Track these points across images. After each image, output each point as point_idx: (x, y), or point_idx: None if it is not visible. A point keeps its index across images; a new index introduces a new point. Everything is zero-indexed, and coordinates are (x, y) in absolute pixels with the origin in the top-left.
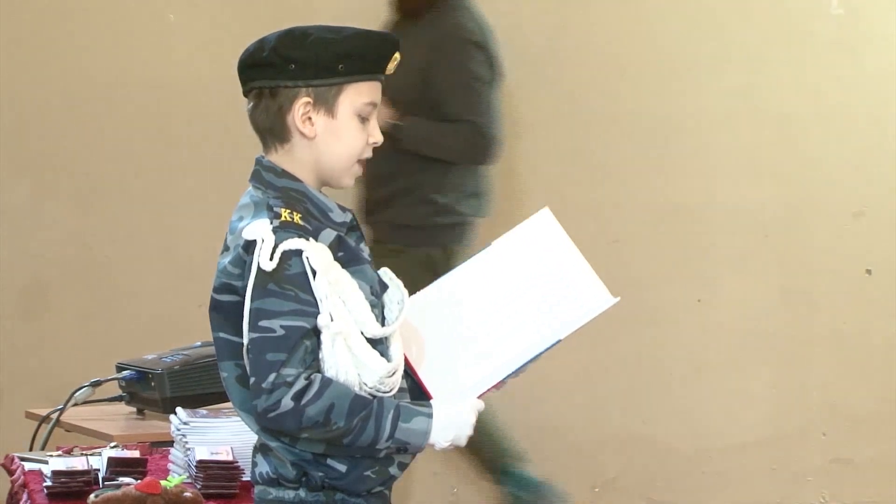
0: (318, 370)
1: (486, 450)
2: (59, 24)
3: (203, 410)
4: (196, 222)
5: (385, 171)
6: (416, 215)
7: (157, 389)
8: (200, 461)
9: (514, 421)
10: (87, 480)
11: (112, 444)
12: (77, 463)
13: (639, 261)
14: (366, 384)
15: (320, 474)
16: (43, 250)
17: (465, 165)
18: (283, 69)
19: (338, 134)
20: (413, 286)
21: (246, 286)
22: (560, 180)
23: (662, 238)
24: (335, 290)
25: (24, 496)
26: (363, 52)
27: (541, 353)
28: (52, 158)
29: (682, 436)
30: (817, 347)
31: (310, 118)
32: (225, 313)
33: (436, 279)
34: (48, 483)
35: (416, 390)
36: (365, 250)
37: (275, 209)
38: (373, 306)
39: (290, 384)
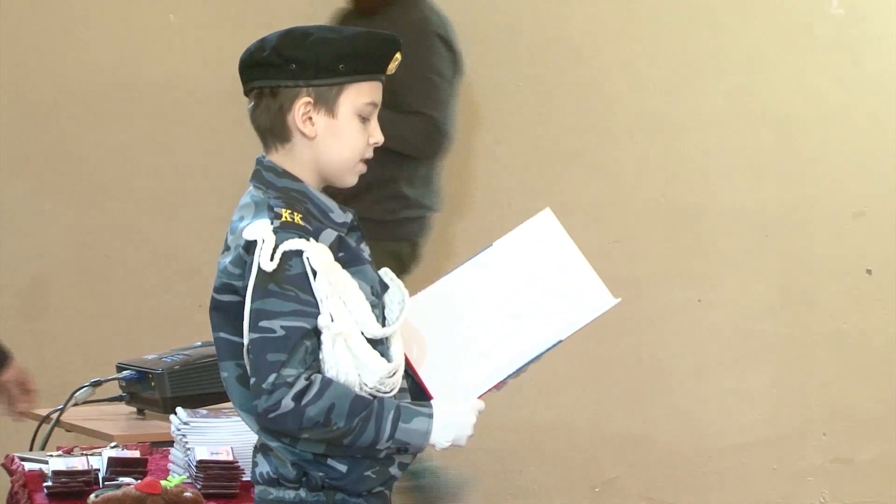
0: (319, 371)
1: None
2: (59, 23)
3: (203, 410)
4: (196, 222)
5: None
6: (386, 210)
7: (157, 389)
8: (201, 461)
9: (515, 421)
10: (87, 480)
11: (112, 444)
12: (77, 463)
13: (639, 261)
14: (366, 384)
15: (321, 474)
16: (43, 250)
17: (420, 158)
18: (283, 69)
19: (338, 134)
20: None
21: (246, 286)
22: (559, 180)
23: (662, 238)
24: (336, 290)
25: (25, 496)
26: (364, 52)
27: (542, 354)
28: (52, 158)
29: (682, 436)
30: (817, 347)
31: (310, 118)
32: (225, 313)
33: (402, 273)
34: (48, 483)
35: (416, 390)
36: (365, 251)
37: (275, 209)
38: (373, 307)
39: (291, 385)
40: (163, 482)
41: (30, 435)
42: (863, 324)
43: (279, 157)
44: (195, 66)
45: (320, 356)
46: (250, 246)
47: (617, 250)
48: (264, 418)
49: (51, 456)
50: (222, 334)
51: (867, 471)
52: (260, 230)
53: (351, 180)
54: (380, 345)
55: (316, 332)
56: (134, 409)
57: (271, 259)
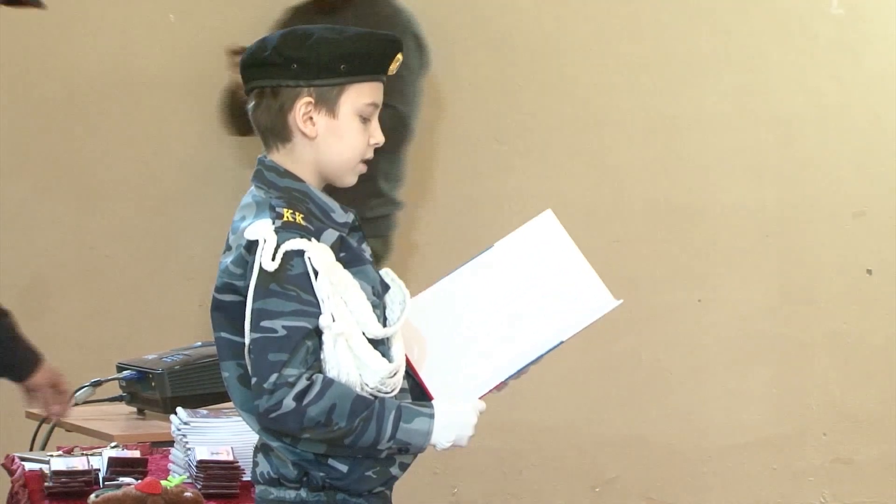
0: (320, 371)
1: None
2: (59, 23)
3: (203, 410)
4: (196, 222)
5: None
6: (365, 207)
7: (157, 389)
8: (201, 461)
9: (515, 421)
10: (87, 480)
11: (112, 444)
12: (77, 463)
13: (639, 261)
14: (367, 385)
15: (322, 474)
16: (43, 250)
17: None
18: (284, 69)
19: (339, 134)
20: None
21: (248, 286)
22: (560, 180)
23: (662, 238)
24: (337, 290)
25: (25, 496)
26: (365, 52)
27: (543, 355)
28: (52, 158)
29: (682, 436)
30: (817, 347)
31: (311, 118)
32: (226, 313)
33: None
34: (49, 483)
35: (417, 390)
36: (367, 251)
37: (277, 209)
38: (374, 307)
39: (292, 385)
40: (163, 482)
41: (30, 435)
42: (863, 324)
43: (280, 157)
44: (195, 66)
45: (321, 356)
46: (252, 246)
47: (617, 250)
48: (265, 418)
49: (51, 456)
50: (223, 334)
51: (867, 471)
52: (261, 230)
53: (351, 180)
54: (381, 345)
55: (317, 333)
56: (134, 409)
57: (273, 259)
